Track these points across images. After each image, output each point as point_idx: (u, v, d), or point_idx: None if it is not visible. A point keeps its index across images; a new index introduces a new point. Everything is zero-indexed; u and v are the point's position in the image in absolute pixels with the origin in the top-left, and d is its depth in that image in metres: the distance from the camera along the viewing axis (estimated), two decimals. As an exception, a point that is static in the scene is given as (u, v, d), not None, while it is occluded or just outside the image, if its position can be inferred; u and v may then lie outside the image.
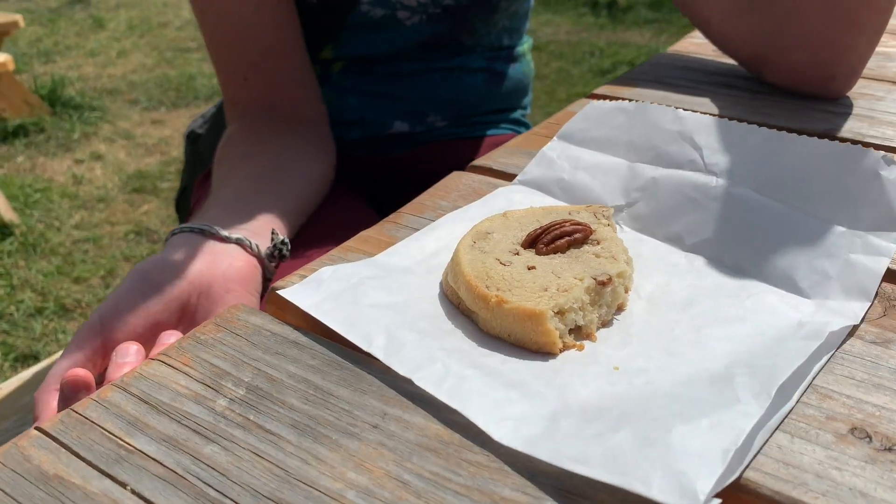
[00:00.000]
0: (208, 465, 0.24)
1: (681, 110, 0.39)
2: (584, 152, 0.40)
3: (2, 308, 1.84)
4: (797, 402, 0.26)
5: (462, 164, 0.82)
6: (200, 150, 0.93)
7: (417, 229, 0.37)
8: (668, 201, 0.36)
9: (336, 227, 0.64)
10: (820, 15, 0.50)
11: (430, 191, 0.42)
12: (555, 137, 0.43)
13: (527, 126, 0.92)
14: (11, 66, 2.11)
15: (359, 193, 0.79)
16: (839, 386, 0.27)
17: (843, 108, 0.53)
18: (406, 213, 0.39)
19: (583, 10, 4.89)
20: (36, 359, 1.69)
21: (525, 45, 0.87)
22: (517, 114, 0.90)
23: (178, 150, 2.83)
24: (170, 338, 0.40)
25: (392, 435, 0.25)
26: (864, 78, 0.59)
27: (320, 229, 0.61)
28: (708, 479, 0.21)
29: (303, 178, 0.61)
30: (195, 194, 0.85)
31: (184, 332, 0.43)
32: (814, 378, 0.27)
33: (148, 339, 0.41)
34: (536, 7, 4.83)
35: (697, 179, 0.36)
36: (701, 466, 0.21)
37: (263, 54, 0.67)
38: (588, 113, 0.42)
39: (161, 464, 0.24)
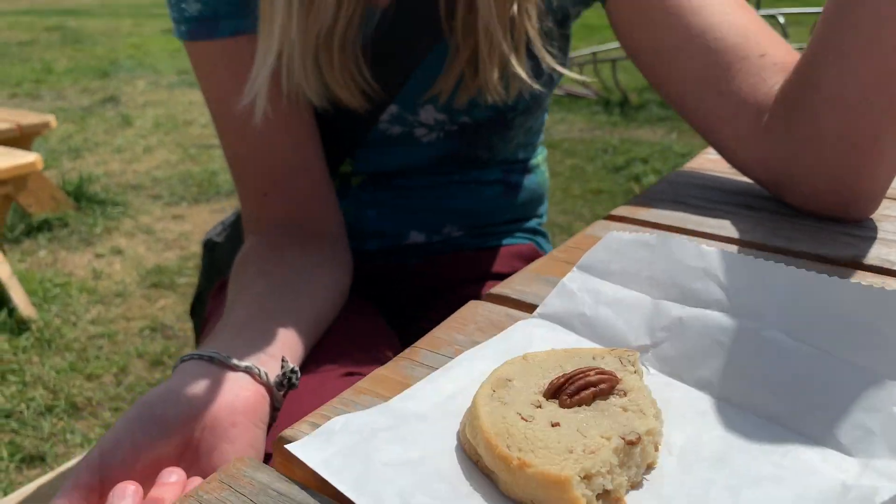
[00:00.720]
0: None
1: (704, 245, 0.38)
2: (605, 285, 0.39)
3: (12, 406, 1.82)
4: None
5: (478, 274, 0.82)
6: (217, 258, 0.93)
7: (433, 367, 0.36)
8: (696, 344, 0.34)
9: (350, 344, 0.62)
10: (839, 143, 0.50)
11: (447, 322, 0.40)
12: (575, 268, 0.42)
13: (543, 235, 0.92)
14: (40, 166, 2.18)
15: (374, 305, 0.78)
16: (896, 567, 0.25)
17: (867, 231, 0.53)
18: (422, 348, 0.38)
19: (595, 108, 5.03)
20: (42, 460, 1.66)
21: (540, 156, 0.89)
22: (533, 223, 0.90)
23: (197, 246, 2.87)
24: (170, 476, 0.39)
25: None
26: (886, 198, 0.58)
27: (334, 347, 0.60)
28: None
29: (318, 296, 0.60)
30: (210, 304, 0.85)
31: (186, 468, 0.42)
32: (867, 557, 0.25)
33: (148, 475, 0.40)
34: (550, 106, 4.97)
35: (725, 321, 0.35)
36: None
37: (284, 172, 0.68)
38: (609, 244, 0.41)
39: None
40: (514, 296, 0.43)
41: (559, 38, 0.69)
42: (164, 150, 4.29)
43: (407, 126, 0.73)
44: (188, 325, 2.24)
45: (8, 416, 1.78)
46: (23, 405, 1.82)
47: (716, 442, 0.30)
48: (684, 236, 0.47)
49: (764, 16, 5.46)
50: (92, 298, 2.42)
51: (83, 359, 2.05)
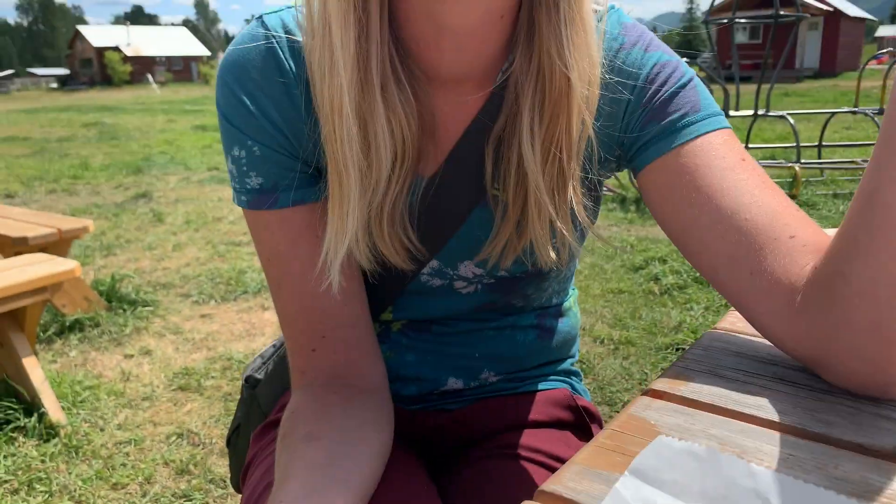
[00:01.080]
0: None
1: (753, 465, 0.40)
2: (658, 495, 0.41)
3: (38, 518, 1.81)
4: None
5: (515, 422, 0.84)
6: (258, 396, 0.96)
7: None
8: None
9: (388, 497, 0.64)
10: (871, 333, 0.52)
11: (505, 527, 0.42)
12: (626, 472, 0.44)
13: (577, 375, 0.94)
14: (79, 273, 2.25)
15: (413, 452, 0.80)
16: None
17: (905, 414, 0.54)
18: (484, 561, 0.40)
19: (612, 205, 5.12)
20: (64, 576, 1.64)
21: (571, 298, 0.92)
22: (567, 363, 0.92)
23: (224, 347, 2.91)
24: None
25: None
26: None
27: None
28: None
29: (366, 462, 0.62)
30: (252, 447, 0.87)
31: None
32: None
33: None
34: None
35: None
36: None
37: (332, 327, 0.71)
38: (659, 451, 0.43)
39: None
40: (566, 494, 0.45)
41: (593, 199, 0.74)
42: (194, 248, 4.41)
43: (447, 279, 0.77)
44: (214, 432, 2.24)
45: (33, 529, 1.77)
46: (48, 518, 1.81)
47: None
48: (732, 435, 0.48)
49: (774, 116, 5.60)
50: (120, 402, 2.44)
51: (109, 467, 2.05)
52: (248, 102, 0.67)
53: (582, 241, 0.78)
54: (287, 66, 0.67)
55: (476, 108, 0.69)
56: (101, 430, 2.26)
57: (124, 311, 3.22)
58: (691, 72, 0.69)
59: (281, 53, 0.67)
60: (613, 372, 2.56)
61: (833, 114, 6.18)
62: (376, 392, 0.72)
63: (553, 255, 0.69)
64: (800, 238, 0.60)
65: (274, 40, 0.67)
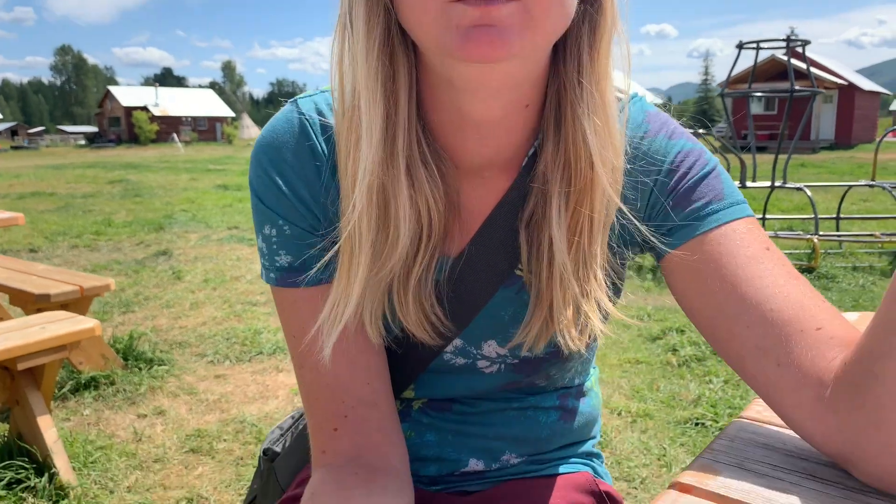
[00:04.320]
0: None
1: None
2: None
3: (42, 584, 1.78)
4: None
5: (537, 506, 0.82)
6: (276, 469, 0.95)
7: None
8: None
9: None
10: None
11: None
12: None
13: (598, 456, 0.92)
14: (99, 332, 2.27)
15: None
16: None
17: (941, 518, 0.53)
18: None
19: (629, 273, 5.10)
20: None
21: (593, 377, 0.91)
22: (588, 445, 0.91)
23: (237, 409, 2.89)
24: None
25: None
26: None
27: None
28: None
29: None
30: (272, 526, 0.86)
31: None
32: None
33: None
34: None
35: None
36: None
37: (354, 406, 0.71)
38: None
39: None
40: None
41: (616, 282, 0.74)
42: (211, 307, 4.43)
43: (470, 358, 0.77)
44: (225, 497, 2.21)
45: None
46: (53, 584, 1.78)
47: None
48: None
49: (791, 188, 5.62)
50: (131, 463, 2.42)
51: (117, 533, 2.02)
52: (281, 183, 0.69)
53: (605, 321, 0.78)
54: (319, 148, 0.69)
55: (502, 192, 0.71)
56: (111, 492, 2.23)
57: (140, 369, 3.22)
58: (715, 160, 0.71)
59: (314, 136, 0.70)
60: (631, 446, 2.51)
61: (850, 186, 6.20)
62: (397, 475, 0.71)
63: (577, 337, 0.69)
64: (826, 330, 0.60)
65: (308, 123, 0.70)
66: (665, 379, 3.14)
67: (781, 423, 0.68)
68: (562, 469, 0.86)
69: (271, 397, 2.99)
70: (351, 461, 0.70)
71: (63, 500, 2.15)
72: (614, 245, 0.71)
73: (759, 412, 0.72)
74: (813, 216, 5.46)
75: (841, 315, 0.62)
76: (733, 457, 0.62)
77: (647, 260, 5.29)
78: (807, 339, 0.60)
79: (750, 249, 0.65)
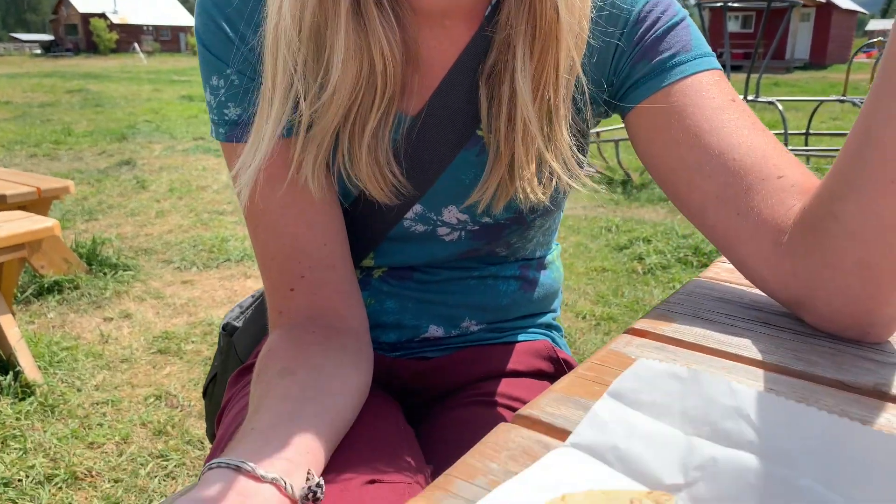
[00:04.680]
0: None
1: (734, 383, 0.39)
2: (637, 416, 0.40)
3: (11, 473, 1.79)
4: None
5: (496, 371, 0.83)
6: (235, 343, 0.94)
7: (469, 499, 0.37)
8: (730, 487, 0.35)
9: (371, 450, 0.62)
10: (859, 273, 0.51)
11: (479, 448, 0.41)
12: (605, 395, 0.43)
13: (558, 329, 0.93)
14: (58, 232, 2.21)
15: (393, 400, 0.79)
16: None
17: (888, 356, 0.54)
18: (456, 477, 0.39)
19: (599, 185, 5.11)
20: (38, 532, 1.63)
21: (554, 252, 0.91)
22: (548, 317, 0.91)
23: (205, 312, 2.88)
24: None
25: None
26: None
27: (355, 453, 0.60)
28: None
29: (341, 397, 0.61)
30: (228, 391, 0.86)
31: None
32: None
33: None
34: (557, 181, 5.06)
35: (759, 466, 0.35)
36: None
37: (311, 267, 0.69)
38: (639, 372, 0.42)
39: None
40: (544, 419, 0.44)
41: (581, 146, 0.72)
42: (177, 215, 4.36)
43: (430, 225, 0.75)
44: (193, 395, 2.23)
45: (7, 484, 1.75)
46: (22, 473, 1.79)
47: None
48: (714, 371, 0.48)
49: (763, 102, 5.62)
50: (98, 363, 2.42)
51: (86, 426, 2.03)
52: (228, 28, 0.65)
53: (570, 185, 0.76)
54: None
55: (463, 44, 0.67)
56: (79, 390, 2.24)
57: (105, 274, 3.18)
58: (683, 11, 0.68)
59: None
60: (595, 346, 2.57)
61: (821, 102, 6.20)
62: (356, 335, 0.70)
63: (541, 190, 0.67)
64: (788, 178, 0.59)
65: None
66: (630, 286, 3.20)
67: (738, 280, 0.69)
68: (521, 337, 0.86)
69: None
70: (308, 321, 0.69)
71: (29, 396, 2.15)
72: (579, 101, 0.69)
73: (716, 273, 0.72)
74: (783, 131, 5.48)
75: (803, 165, 0.61)
76: (689, 308, 0.62)
77: (618, 174, 5.31)
78: (767, 187, 0.59)
79: (716, 101, 0.63)
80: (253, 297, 1.04)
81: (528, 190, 0.66)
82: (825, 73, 24.19)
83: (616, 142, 5.15)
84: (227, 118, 0.68)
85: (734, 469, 0.36)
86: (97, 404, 2.16)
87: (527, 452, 0.41)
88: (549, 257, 0.88)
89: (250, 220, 0.70)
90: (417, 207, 0.74)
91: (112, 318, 2.81)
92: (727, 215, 0.60)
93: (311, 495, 0.48)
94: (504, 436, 0.43)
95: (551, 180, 0.67)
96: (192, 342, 2.60)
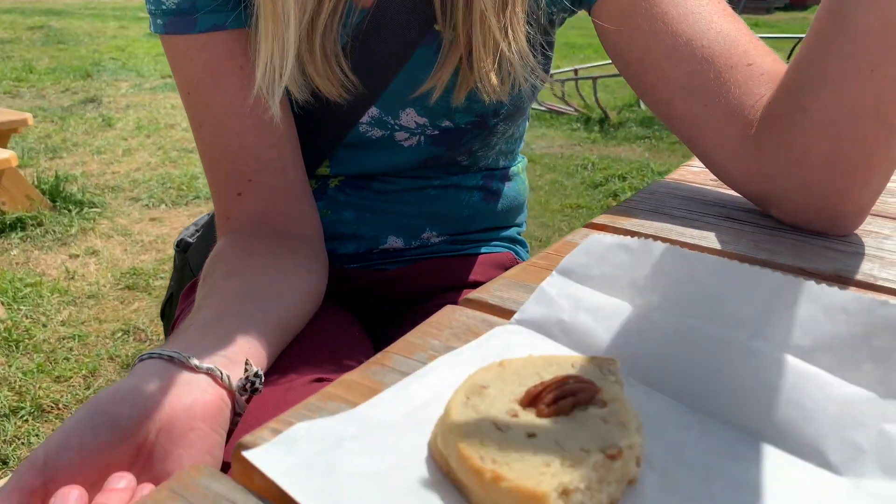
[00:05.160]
0: None
1: (687, 250, 0.37)
2: (585, 291, 0.38)
3: (-25, 407, 1.77)
4: None
5: (456, 283, 0.80)
6: (190, 259, 0.91)
7: (406, 373, 0.34)
8: (678, 353, 0.33)
9: (320, 351, 0.60)
10: (827, 166, 0.49)
11: (421, 327, 0.39)
12: (554, 272, 0.40)
13: (522, 244, 0.91)
14: (15, 163, 2.14)
15: (350, 310, 0.76)
16: (887, 593, 0.23)
17: (850, 246, 0.52)
18: (394, 353, 0.36)
19: (576, 125, 5.06)
20: (5, 463, 1.61)
21: (520, 164, 0.88)
22: (512, 231, 0.89)
23: (173, 249, 2.83)
24: (119, 482, 0.37)
25: None
26: (870, 215, 0.58)
27: (302, 353, 0.58)
28: None
29: (289, 299, 0.58)
30: (180, 305, 0.83)
31: (137, 473, 0.39)
32: (856, 581, 0.23)
33: (96, 479, 0.37)
34: (531, 121, 5.00)
35: (710, 330, 0.33)
36: None
37: (259, 170, 0.66)
38: (589, 248, 0.40)
39: None
40: (491, 301, 0.42)
41: (544, 43, 0.68)
42: (145, 153, 4.24)
43: (387, 129, 0.71)
44: (161, 329, 2.20)
45: (-30, 418, 1.73)
46: (-14, 407, 1.77)
47: (700, 458, 0.29)
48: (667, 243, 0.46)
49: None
50: (64, 299, 2.37)
51: (52, 360, 2.00)
52: None
53: (533, 92, 0.73)
54: None
55: None
56: (44, 325, 2.19)
57: (69, 211, 3.10)
58: None
59: None
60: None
61: (799, 40, 6.15)
62: (308, 240, 0.67)
63: (498, 86, 0.63)
64: (757, 66, 0.56)
65: None
66: (605, 221, 3.19)
67: (703, 180, 0.66)
68: (483, 250, 0.83)
69: (209, 238, 2.93)
70: (257, 226, 0.66)
71: (-7, 332, 2.10)
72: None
73: (682, 175, 0.69)
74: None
75: (774, 53, 0.58)
76: (650, 204, 0.60)
77: (595, 112, 5.25)
78: (736, 75, 0.56)
79: None
80: (210, 214, 1.00)
81: (486, 83, 0.63)
82: (806, 14, 23.99)
83: (594, 79, 5.08)
84: (164, 7, 0.63)
85: (682, 335, 0.34)
86: (63, 339, 2.12)
87: (471, 330, 0.39)
88: (513, 169, 0.85)
89: (194, 120, 0.66)
90: (374, 111, 0.70)
91: (78, 255, 2.74)
92: (694, 105, 0.57)
93: (248, 385, 0.45)
94: (448, 316, 0.40)
95: (510, 74, 0.64)
96: (161, 278, 2.56)
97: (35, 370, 1.94)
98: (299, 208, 0.68)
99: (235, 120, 0.64)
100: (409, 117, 0.71)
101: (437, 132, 0.72)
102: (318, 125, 0.71)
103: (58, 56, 8.22)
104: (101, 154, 4.20)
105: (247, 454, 0.27)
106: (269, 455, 0.27)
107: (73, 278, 2.54)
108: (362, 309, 0.80)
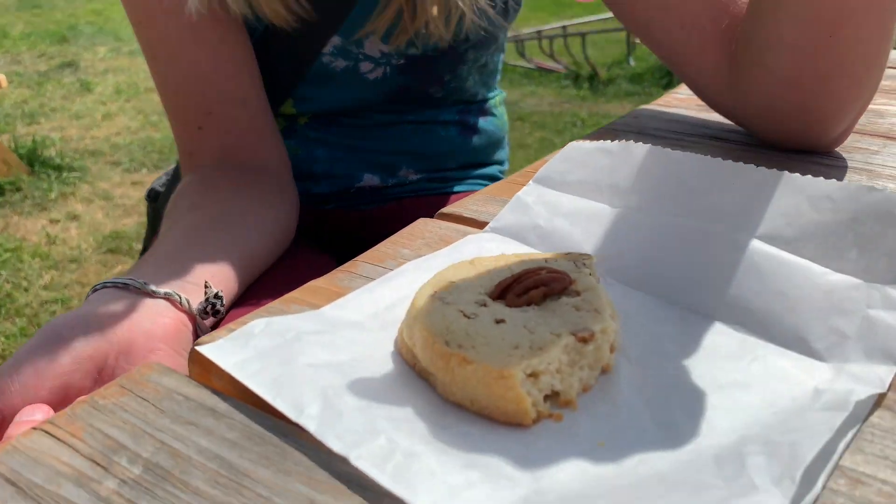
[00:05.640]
0: (75, 571, 0.18)
1: (670, 150, 0.35)
2: (562, 197, 0.36)
3: (-43, 372, 1.75)
4: (823, 488, 0.21)
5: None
6: (160, 208, 0.89)
7: (371, 278, 0.33)
8: (658, 251, 0.32)
9: (287, 285, 0.59)
10: (788, 84, 0.49)
11: (393, 238, 0.37)
12: (531, 181, 0.39)
13: (505, 183, 0.89)
14: (-12, 124, 2.08)
15: (326, 252, 0.74)
16: (871, 468, 0.22)
17: (837, 161, 0.50)
18: (362, 261, 0.35)
19: (565, 82, 5.00)
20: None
21: (497, 97, 0.85)
22: (493, 169, 0.86)
23: (156, 212, 2.78)
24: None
25: (317, 530, 0.19)
26: (855, 133, 0.56)
27: (270, 285, 0.56)
28: None
29: (254, 229, 0.56)
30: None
31: None
32: (840, 458, 0.22)
33: (56, 405, 0.36)
34: (519, 79, 4.94)
35: (691, 225, 0.32)
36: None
37: (220, 102, 0.63)
38: (568, 154, 0.38)
39: (13, 568, 0.18)
40: (466, 214, 0.40)
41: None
42: (125, 117, 4.16)
43: (351, 59, 0.69)
44: (146, 292, 2.17)
45: (-47, 381, 1.71)
46: (-31, 371, 1.75)
47: (678, 348, 0.28)
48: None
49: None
50: (45, 264, 2.34)
51: (35, 324, 1.98)
52: None
53: (505, 18, 0.70)
54: None
55: None
56: (25, 290, 2.16)
57: (48, 175, 3.04)
58: None
59: None
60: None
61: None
62: (275, 174, 0.65)
63: (444, 30, 0.62)
64: None
65: None
66: (592, 178, 3.17)
67: (689, 105, 0.65)
68: (464, 188, 0.81)
69: (192, 201, 2.89)
70: (221, 162, 0.64)
71: (-27, 299, 2.07)
72: None
73: (667, 101, 0.67)
74: None
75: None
76: (634, 127, 0.58)
77: (584, 69, 5.19)
78: None
79: None
80: (178, 162, 0.98)
81: (433, 28, 0.61)
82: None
83: (583, 35, 5.01)
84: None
85: (662, 233, 0.32)
86: (46, 303, 2.10)
87: (444, 240, 0.37)
88: (490, 103, 0.83)
89: (147, 52, 0.63)
90: (336, 39, 0.67)
91: (58, 220, 2.70)
92: (672, 27, 0.55)
93: (209, 308, 0.43)
94: (421, 227, 0.39)
95: (459, 17, 0.61)
96: (142, 245, 2.52)
97: (17, 333, 1.92)
98: (264, 143, 0.66)
99: (189, 48, 0.61)
100: (374, 46, 0.68)
101: (403, 62, 0.69)
102: (279, 58, 0.68)
103: (33, 21, 8.02)
104: (80, 119, 4.12)
105: (201, 349, 0.26)
106: (223, 349, 0.26)
107: (54, 243, 2.50)
108: (339, 250, 0.78)
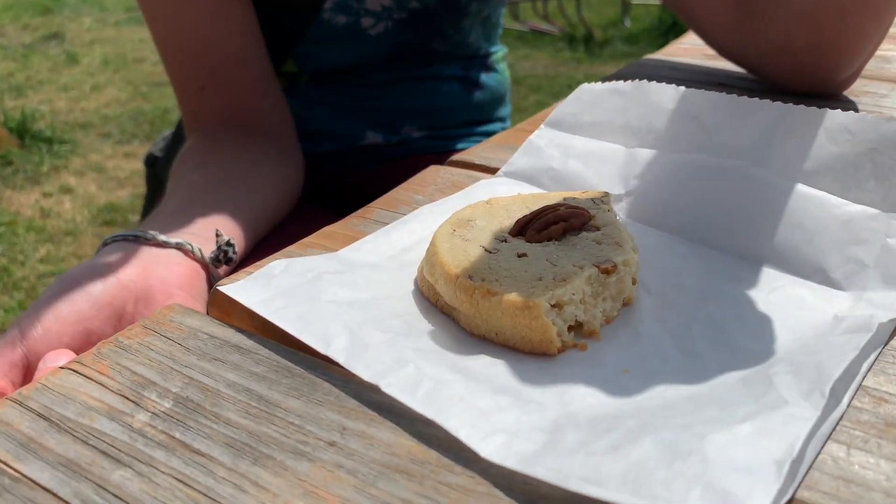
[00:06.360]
0: (115, 496, 0.18)
1: (684, 88, 0.35)
2: (575, 139, 0.36)
3: (-42, 345, 1.75)
4: (848, 406, 0.21)
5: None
6: (158, 173, 0.88)
7: (385, 223, 0.33)
8: (675, 188, 0.32)
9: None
10: (803, 21, 0.48)
11: (405, 185, 0.37)
12: (542, 125, 0.38)
13: (507, 142, 0.88)
14: (-23, 96, 2.05)
15: (331, 212, 0.74)
16: (894, 387, 0.22)
17: (847, 105, 0.50)
18: (376, 207, 0.35)
19: (560, 44, 4.95)
20: (-7, 398, 1.60)
21: (499, 53, 0.84)
22: (496, 126, 0.86)
23: (150, 183, 2.76)
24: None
25: (352, 454, 0.19)
26: (863, 78, 0.56)
27: (279, 246, 0.56)
28: (761, 498, 0.16)
29: (260, 189, 0.56)
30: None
31: None
32: (863, 379, 0.23)
33: (79, 351, 0.36)
34: (514, 42, 4.88)
35: (707, 163, 0.32)
36: (751, 483, 0.16)
37: (221, 62, 0.62)
38: (580, 96, 0.38)
39: (54, 494, 0.18)
40: (478, 161, 0.40)
41: None
42: (114, 89, 4.11)
43: (352, 15, 0.68)
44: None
45: (-45, 355, 1.71)
46: (-30, 344, 1.75)
47: (698, 281, 0.28)
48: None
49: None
50: (41, 237, 2.32)
51: (32, 297, 1.97)
52: None
53: None
54: None
55: None
56: (22, 264, 2.16)
57: (39, 149, 3.01)
58: None
59: None
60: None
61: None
62: (279, 136, 0.65)
63: None
64: None
65: None
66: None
67: (693, 55, 0.64)
68: (467, 145, 0.81)
69: (186, 171, 2.87)
70: (225, 123, 0.63)
71: (-30, 272, 2.06)
72: None
73: (672, 51, 0.67)
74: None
75: None
76: (639, 76, 0.58)
77: (579, 31, 5.13)
78: None
79: None
80: (177, 125, 0.97)
81: None
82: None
83: (576, -2, 4.95)
84: None
85: (678, 170, 0.32)
86: (43, 276, 2.09)
87: (456, 185, 0.37)
88: (493, 58, 0.82)
89: (147, 13, 0.62)
90: None
91: (52, 193, 2.68)
92: None
93: (221, 256, 0.43)
94: (433, 174, 0.38)
95: None
96: (140, 212, 2.51)
97: (16, 307, 1.91)
98: (266, 102, 0.65)
99: (189, 8, 0.60)
100: (375, 0, 0.67)
101: (404, 15, 0.69)
102: (279, 16, 0.67)
103: (15, -8, 7.86)
104: (69, 91, 4.07)
105: (223, 289, 0.26)
106: (245, 289, 0.26)
107: (48, 216, 2.49)
108: (343, 212, 0.77)
